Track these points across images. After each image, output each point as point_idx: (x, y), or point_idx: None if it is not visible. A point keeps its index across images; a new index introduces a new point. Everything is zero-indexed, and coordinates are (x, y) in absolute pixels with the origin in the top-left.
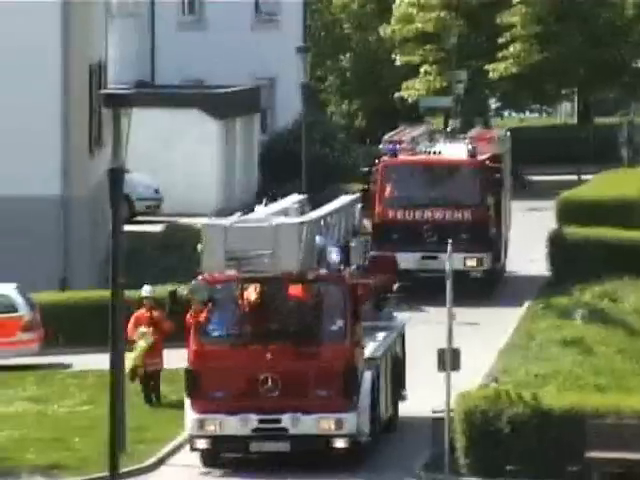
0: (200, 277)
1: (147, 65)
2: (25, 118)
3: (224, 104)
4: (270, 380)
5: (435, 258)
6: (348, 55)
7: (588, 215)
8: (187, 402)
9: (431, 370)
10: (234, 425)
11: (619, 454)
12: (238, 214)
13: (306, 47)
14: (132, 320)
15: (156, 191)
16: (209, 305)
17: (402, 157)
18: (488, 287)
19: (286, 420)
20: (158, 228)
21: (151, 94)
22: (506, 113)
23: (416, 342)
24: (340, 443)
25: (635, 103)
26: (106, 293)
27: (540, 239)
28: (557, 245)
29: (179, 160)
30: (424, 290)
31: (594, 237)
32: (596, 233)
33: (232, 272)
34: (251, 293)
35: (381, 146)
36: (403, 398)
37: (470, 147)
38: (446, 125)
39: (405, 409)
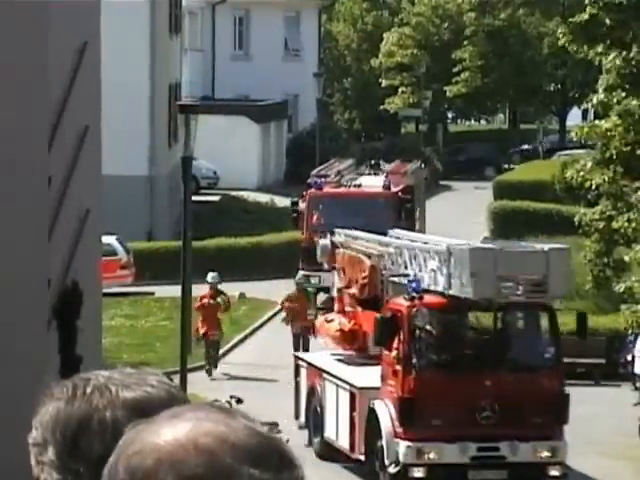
0: (411, 302)
1: (209, 85)
2: (126, 121)
3: (262, 112)
4: (489, 407)
5: None
6: (349, 79)
7: (515, 192)
8: (398, 430)
9: None
10: (453, 453)
11: None
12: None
13: (320, 73)
14: (198, 300)
15: (214, 172)
16: (425, 331)
17: (326, 189)
18: None
19: (504, 448)
20: (216, 198)
21: (212, 105)
22: (458, 121)
23: None
24: (555, 471)
25: (548, 115)
26: (179, 242)
27: (482, 209)
28: (493, 213)
29: (231, 151)
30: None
31: (519, 208)
32: (520, 205)
33: (502, 299)
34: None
35: (309, 180)
36: None
37: (385, 180)
38: (417, 129)
39: None
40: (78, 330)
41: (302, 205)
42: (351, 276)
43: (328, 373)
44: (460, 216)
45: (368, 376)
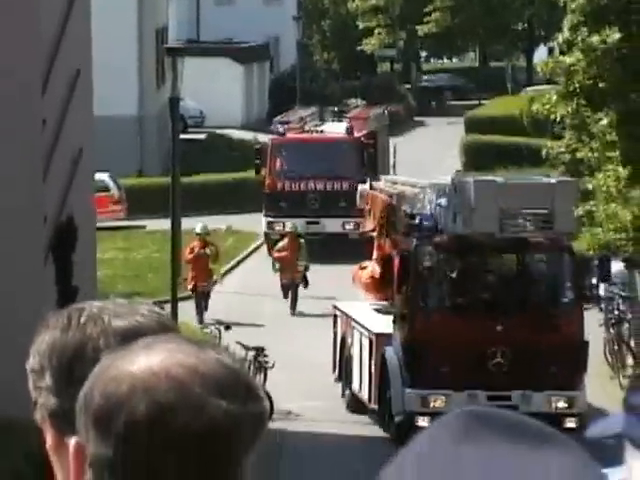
0: (418, 241)
1: (194, 28)
2: (116, 64)
3: (245, 54)
4: (500, 354)
5: (317, 223)
6: (328, 21)
7: (486, 126)
8: (405, 377)
9: None
10: (460, 402)
11: None
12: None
13: (299, 16)
14: (187, 249)
15: (201, 112)
16: (432, 271)
17: (288, 135)
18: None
19: (516, 397)
20: (202, 136)
21: (197, 48)
22: (431, 60)
23: None
24: (571, 423)
25: (516, 52)
26: (167, 178)
27: (455, 143)
28: (465, 147)
29: (216, 91)
30: (309, 249)
31: (489, 141)
32: (490, 139)
33: (502, 234)
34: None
35: (272, 126)
36: None
37: (347, 126)
38: (392, 68)
39: None
40: (73, 263)
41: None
42: (374, 217)
43: (356, 322)
44: (434, 150)
45: (389, 323)
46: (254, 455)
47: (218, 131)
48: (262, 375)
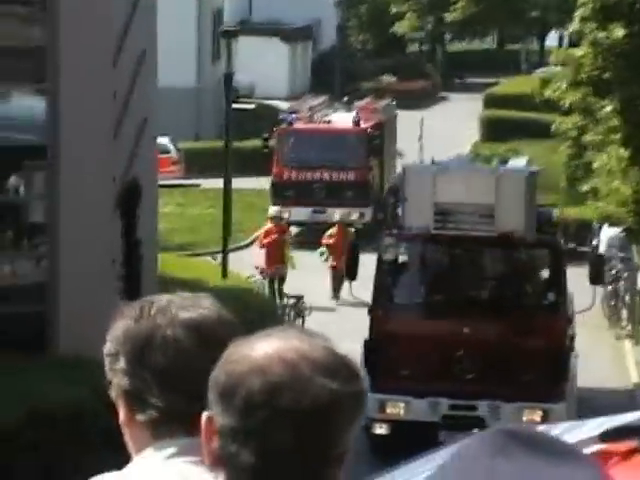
0: (389, 233)
1: (247, 10)
2: (177, 42)
3: (291, 34)
4: (467, 358)
5: (323, 212)
6: (364, 6)
7: (502, 103)
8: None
9: None
10: (421, 410)
11: None
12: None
13: (340, 2)
14: (263, 232)
15: (251, 84)
16: (397, 267)
17: (296, 125)
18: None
19: (483, 408)
20: (252, 106)
21: (248, 28)
22: (455, 42)
23: None
24: None
25: (530, 37)
26: (221, 143)
27: (474, 117)
28: (483, 121)
29: (265, 67)
30: (315, 238)
31: (505, 116)
32: (506, 114)
33: (438, 230)
34: (451, 256)
35: (281, 116)
36: None
37: (355, 116)
38: (420, 49)
39: None
40: (138, 218)
41: (273, 141)
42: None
43: None
44: (455, 122)
45: None
46: (356, 431)
47: (266, 102)
48: (300, 320)
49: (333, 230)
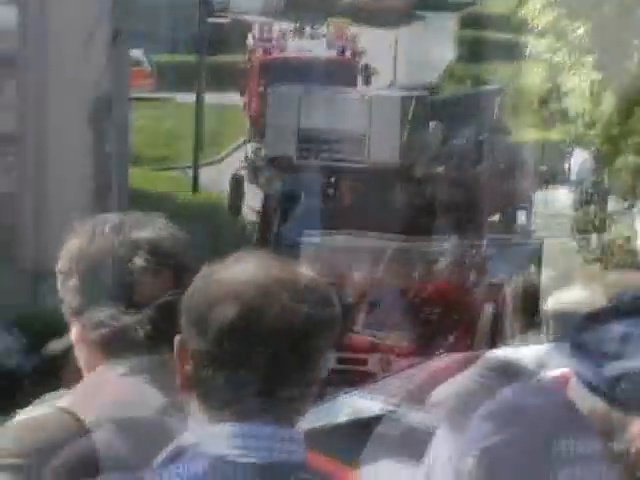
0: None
1: None
2: None
3: None
4: None
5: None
6: None
7: (479, 23)
8: None
9: None
10: None
11: None
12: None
13: None
14: None
15: None
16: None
17: (275, 54)
18: None
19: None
20: (227, 20)
21: None
22: None
23: None
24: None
25: None
26: (195, 57)
27: (452, 37)
28: (459, 40)
29: None
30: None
31: (482, 37)
32: (483, 34)
33: (301, 160)
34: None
35: (249, 41)
36: None
37: (338, 45)
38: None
39: None
40: (108, 131)
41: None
42: None
43: None
44: (431, 43)
45: None
46: (328, 355)
47: (239, 17)
48: None
49: None
